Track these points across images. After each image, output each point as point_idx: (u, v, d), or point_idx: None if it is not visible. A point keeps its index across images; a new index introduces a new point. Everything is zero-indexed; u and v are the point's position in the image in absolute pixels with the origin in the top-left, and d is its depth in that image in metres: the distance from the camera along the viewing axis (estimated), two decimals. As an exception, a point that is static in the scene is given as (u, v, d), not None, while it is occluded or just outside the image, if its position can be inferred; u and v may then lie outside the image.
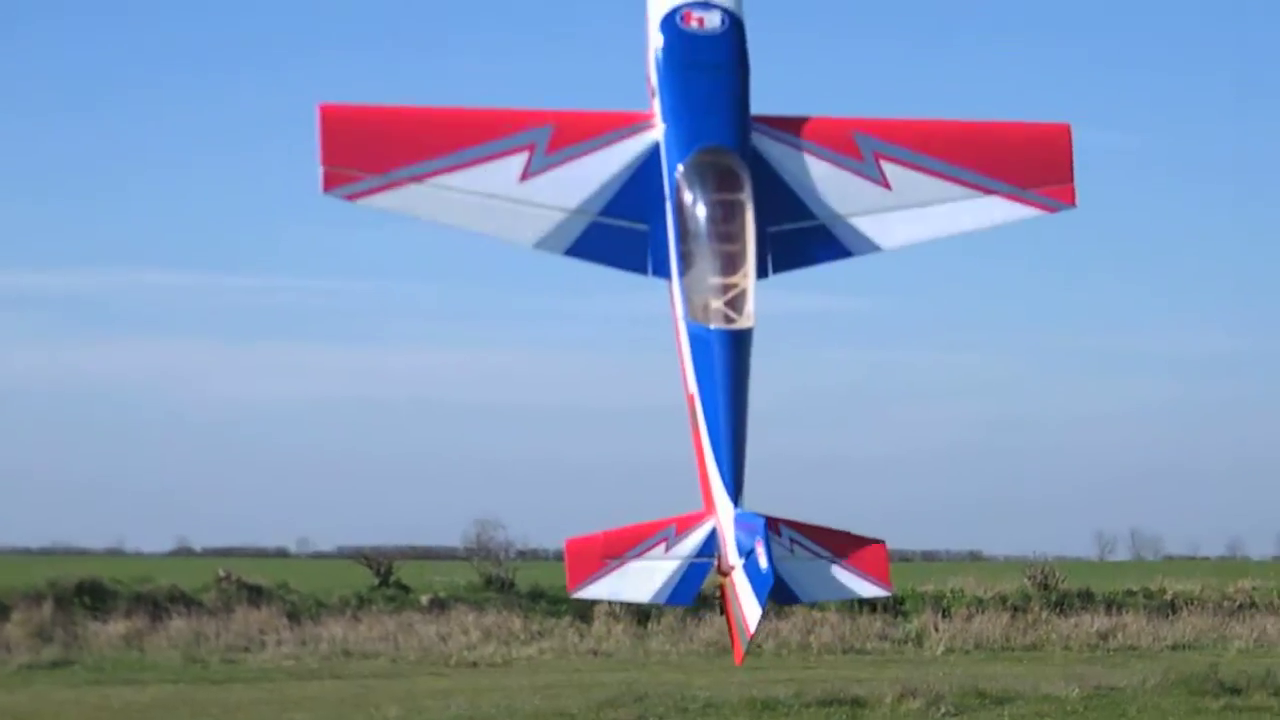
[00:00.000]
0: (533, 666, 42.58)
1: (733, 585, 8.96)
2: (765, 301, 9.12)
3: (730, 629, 9.09)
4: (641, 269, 9.43)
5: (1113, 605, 55.40)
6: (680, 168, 9.25)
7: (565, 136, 9.45)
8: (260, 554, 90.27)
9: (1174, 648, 49.52)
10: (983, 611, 52.82)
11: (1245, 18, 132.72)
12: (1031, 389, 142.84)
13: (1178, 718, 32.79)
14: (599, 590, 9.19)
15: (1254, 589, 60.02)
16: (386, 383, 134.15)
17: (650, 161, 9.42)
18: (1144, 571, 69.24)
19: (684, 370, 9.42)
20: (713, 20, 9.65)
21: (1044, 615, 53.75)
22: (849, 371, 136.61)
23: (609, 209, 9.32)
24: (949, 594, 54.14)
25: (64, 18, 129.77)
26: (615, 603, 48.80)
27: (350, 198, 8.94)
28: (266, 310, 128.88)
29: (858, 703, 32.80)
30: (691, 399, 9.28)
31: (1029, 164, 9.97)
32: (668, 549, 9.12)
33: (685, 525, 9.16)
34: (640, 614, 48.75)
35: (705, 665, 42.03)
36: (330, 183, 8.89)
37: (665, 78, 9.55)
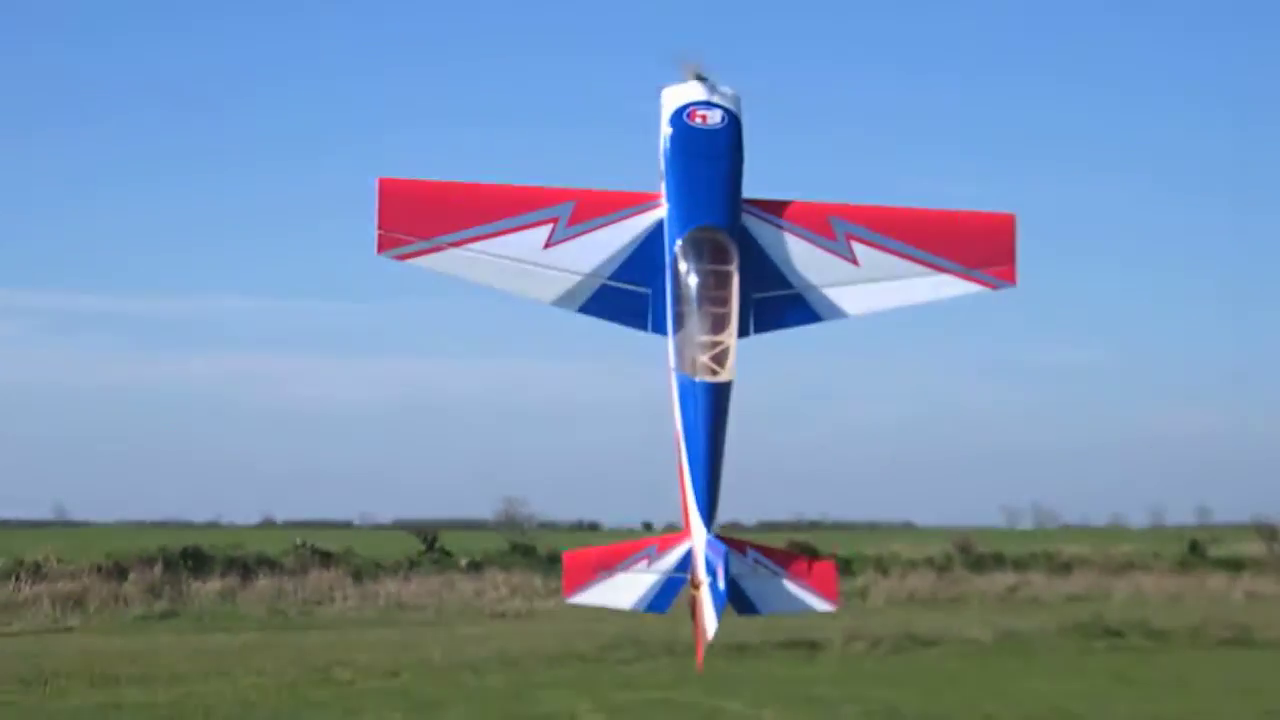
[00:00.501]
0: (551, 617, 42.52)
1: (699, 599, 8.97)
2: (746, 354, 9.14)
3: (696, 635, 9.09)
4: (643, 326, 9.43)
5: (1019, 565, 55.40)
6: (679, 242, 9.27)
7: (584, 212, 9.45)
8: (330, 525, 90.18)
9: (1068, 600, 49.46)
10: (915, 570, 52.84)
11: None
12: (946, 392, 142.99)
13: (1070, 656, 32.76)
14: (589, 597, 9.23)
15: (1133, 551, 60.08)
16: (434, 388, 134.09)
17: (655, 235, 9.43)
18: (1044, 538, 69.24)
19: (674, 412, 9.43)
20: (714, 118, 9.69)
21: (964, 574, 53.74)
22: (816, 379, 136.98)
23: (617, 274, 9.32)
24: (887, 556, 54.18)
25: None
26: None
27: (399, 258, 8.98)
28: (329, 329, 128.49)
29: (814, 645, 32.80)
30: (678, 436, 9.28)
31: (977, 247, 9.94)
32: (649, 564, 9.14)
33: (666, 544, 9.16)
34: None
35: (688, 617, 41.98)
36: (383, 245, 8.90)
37: (671, 164, 9.54)
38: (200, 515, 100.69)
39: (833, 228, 9.71)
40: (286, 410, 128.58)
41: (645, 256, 9.34)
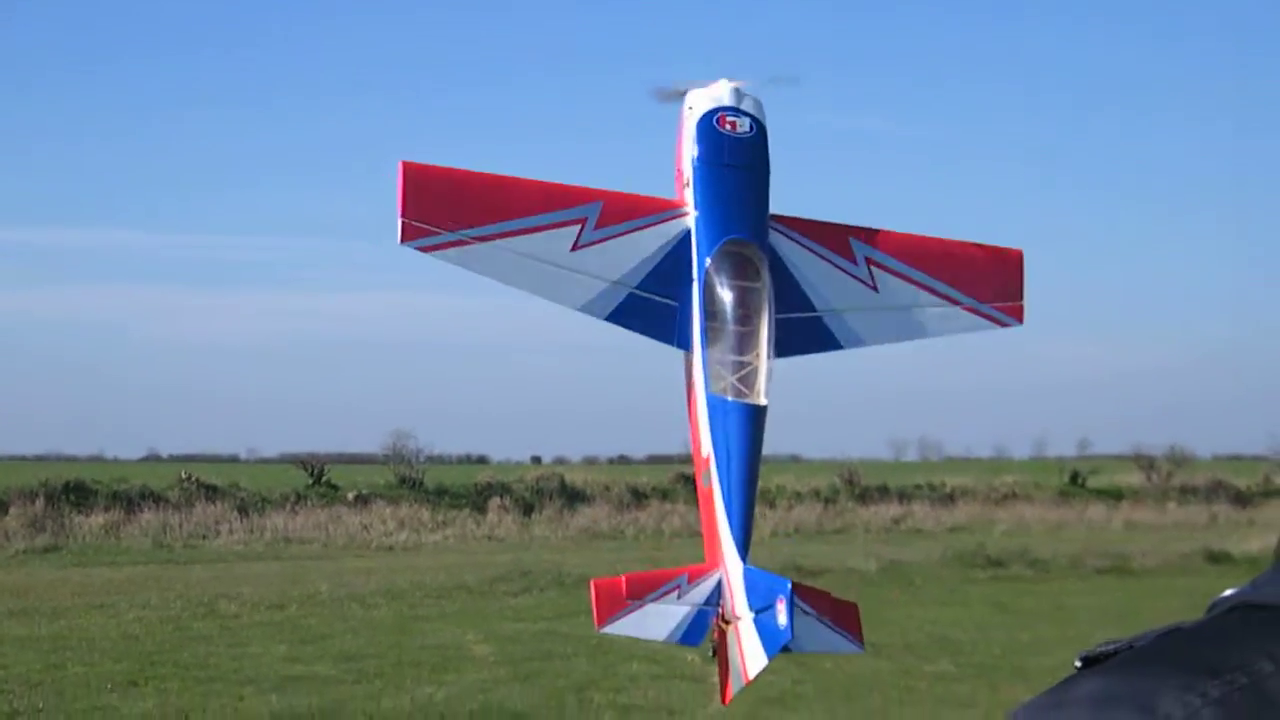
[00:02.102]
0: (438, 549, 42.47)
1: (736, 634, 8.45)
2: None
3: (721, 671, 8.63)
4: (670, 340, 8.94)
5: (903, 496, 55.96)
6: (711, 256, 8.86)
7: (612, 215, 8.84)
8: (216, 459, 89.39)
9: (951, 530, 50.04)
10: (801, 503, 53.21)
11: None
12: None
13: (953, 585, 33.14)
14: (622, 628, 8.57)
15: (1015, 482, 60.84)
16: (322, 322, 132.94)
17: (683, 245, 8.91)
18: (929, 469, 70.01)
19: (695, 434, 9.01)
20: (743, 125, 9.18)
21: (849, 505, 54.19)
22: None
23: (644, 283, 8.78)
24: (774, 489, 54.49)
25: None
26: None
27: (424, 249, 8.44)
28: (219, 263, 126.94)
29: (701, 576, 32.95)
30: (706, 461, 8.85)
31: (988, 281, 9.53)
32: (679, 596, 8.62)
33: (695, 575, 8.65)
34: (525, 505, 48.74)
35: (578, 548, 42.08)
36: (407, 235, 8.29)
37: (700, 173, 9.05)
38: (84, 449, 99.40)
39: (853, 250, 9.31)
40: (172, 344, 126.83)
41: (672, 267, 8.82)
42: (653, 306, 9.01)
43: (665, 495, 51.91)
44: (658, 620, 8.57)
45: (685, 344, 8.92)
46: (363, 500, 48.88)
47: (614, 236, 8.98)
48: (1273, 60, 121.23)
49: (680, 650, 22.24)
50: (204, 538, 43.90)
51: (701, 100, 9.08)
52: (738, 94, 9.37)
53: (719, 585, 8.58)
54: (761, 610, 8.23)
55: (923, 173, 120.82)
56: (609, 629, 8.61)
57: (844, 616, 8.52)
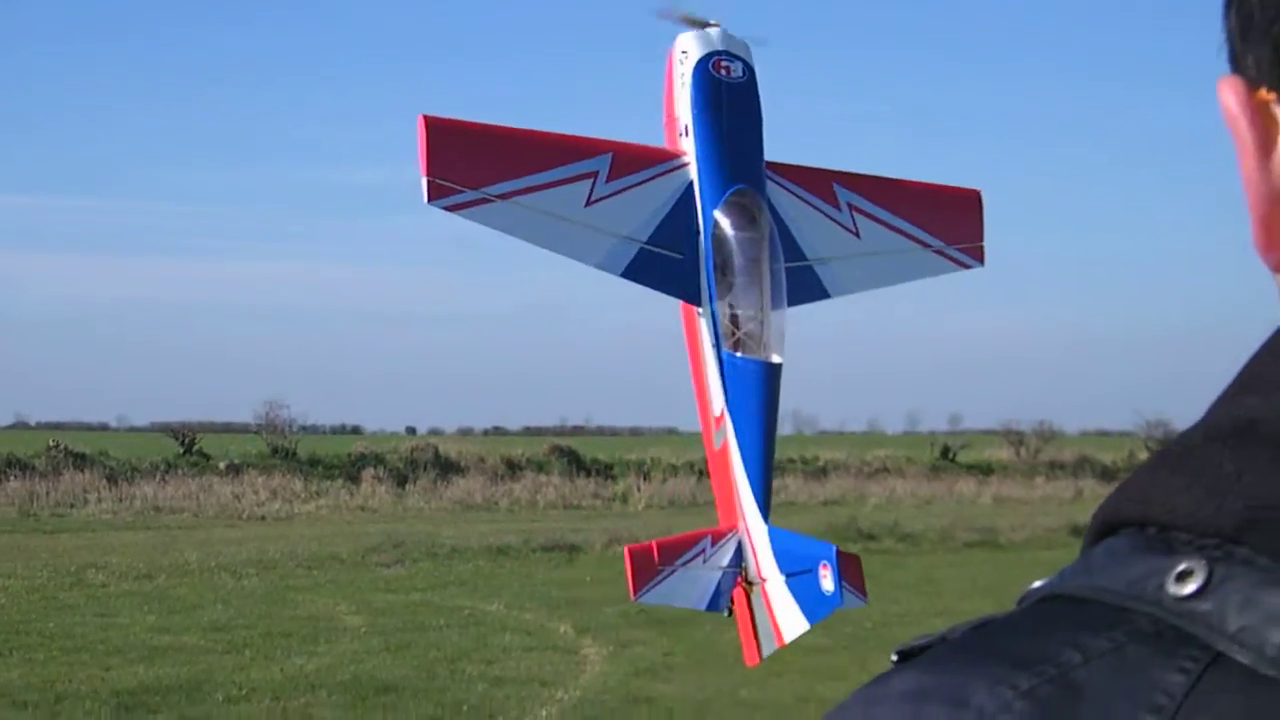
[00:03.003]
0: (311, 520, 42.19)
1: (764, 596, 8.24)
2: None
3: (742, 632, 8.44)
4: (682, 295, 8.61)
5: (778, 469, 55.96)
6: (719, 207, 8.61)
7: (622, 167, 8.60)
8: (85, 428, 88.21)
9: (824, 503, 50.43)
10: (676, 475, 53.38)
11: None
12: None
13: (826, 559, 33.36)
14: (657, 597, 8.37)
15: (887, 457, 61.51)
16: (196, 289, 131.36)
17: (686, 197, 8.71)
18: (803, 443, 70.47)
19: (704, 391, 8.76)
20: (736, 69, 8.94)
21: (723, 478, 54.41)
22: (582, 290, 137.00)
23: (654, 237, 8.56)
24: (649, 461, 54.68)
25: None
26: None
27: (450, 209, 8.14)
28: (89, 229, 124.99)
29: (574, 548, 32.99)
30: (718, 420, 8.62)
31: (952, 224, 9.40)
32: (705, 560, 8.44)
33: (717, 538, 8.49)
34: (399, 476, 48.53)
35: (452, 519, 41.96)
36: (433, 194, 7.97)
37: (700, 121, 8.73)
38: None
39: (837, 196, 9.13)
40: (40, 310, 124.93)
41: (679, 220, 8.61)
42: (663, 261, 8.54)
43: (540, 467, 51.92)
44: (689, 587, 8.33)
45: (694, 299, 8.73)
46: (234, 470, 48.45)
47: (624, 190, 8.53)
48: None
49: (551, 622, 22.30)
50: (72, 506, 43.31)
51: (694, 45, 8.90)
52: (728, 37, 8.92)
53: (740, 547, 8.41)
54: (795, 574, 8.06)
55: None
56: (644, 598, 8.36)
57: (851, 572, 8.33)
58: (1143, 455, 66.47)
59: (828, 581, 7.75)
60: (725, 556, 8.31)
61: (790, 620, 7.92)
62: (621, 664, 18.52)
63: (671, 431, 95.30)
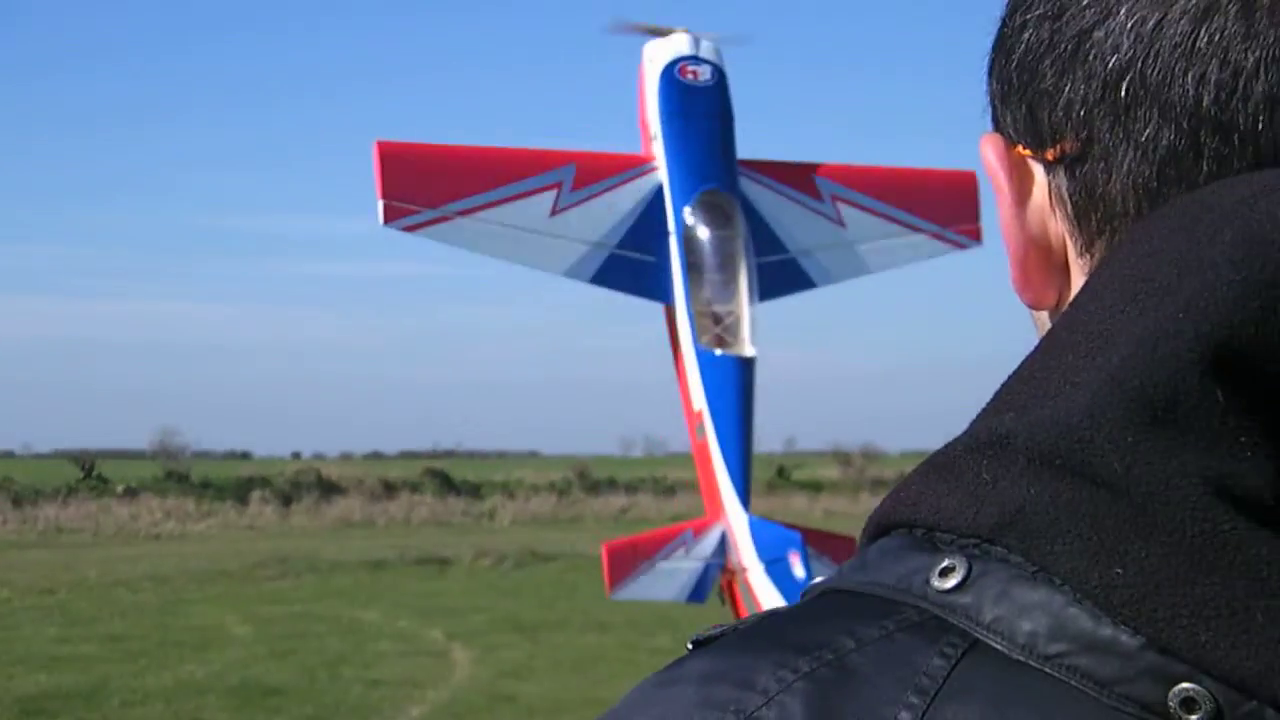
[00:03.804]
0: (203, 538, 41.47)
1: (748, 584, 7.90)
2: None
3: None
4: (652, 296, 8.21)
5: (630, 488, 56.45)
6: (688, 207, 8.26)
7: (586, 176, 8.18)
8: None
9: (672, 518, 49.94)
10: (538, 494, 53.31)
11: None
12: (562, 337, 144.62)
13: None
14: (635, 592, 7.90)
15: (729, 477, 61.83)
16: (94, 326, 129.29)
17: (655, 201, 8.31)
18: (653, 464, 70.54)
19: (685, 389, 8.42)
20: (704, 73, 8.51)
21: (581, 497, 54.41)
22: (456, 321, 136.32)
23: (624, 242, 8.16)
24: (513, 482, 54.63)
25: None
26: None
27: (408, 229, 7.64)
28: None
29: (445, 561, 32.77)
30: (699, 415, 8.29)
31: (945, 205, 9.01)
32: (687, 551, 8.07)
33: (699, 530, 8.12)
34: (285, 497, 47.99)
35: (333, 537, 41.45)
36: (389, 216, 7.46)
37: (667, 125, 8.36)
38: None
39: (819, 188, 8.75)
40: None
41: (648, 224, 8.24)
42: (633, 264, 8.18)
43: (414, 488, 51.64)
44: (668, 581, 7.93)
45: (667, 297, 8.35)
46: (132, 493, 47.65)
47: (590, 198, 8.14)
48: None
49: (424, 628, 22.12)
50: (-24, 528, 42.30)
51: (660, 52, 8.58)
52: (695, 42, 8.58)
53: (723, 537, 8.07)
54: (773, 561, 7.80)
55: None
56: (620, 594, 7.90)
57: (841, 552, 7.98)
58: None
59: (798, 568, 7.61)
60: (708, 548, 8.09)
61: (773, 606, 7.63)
62: (488, 666, 18.42)
63: (534, 454, 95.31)
